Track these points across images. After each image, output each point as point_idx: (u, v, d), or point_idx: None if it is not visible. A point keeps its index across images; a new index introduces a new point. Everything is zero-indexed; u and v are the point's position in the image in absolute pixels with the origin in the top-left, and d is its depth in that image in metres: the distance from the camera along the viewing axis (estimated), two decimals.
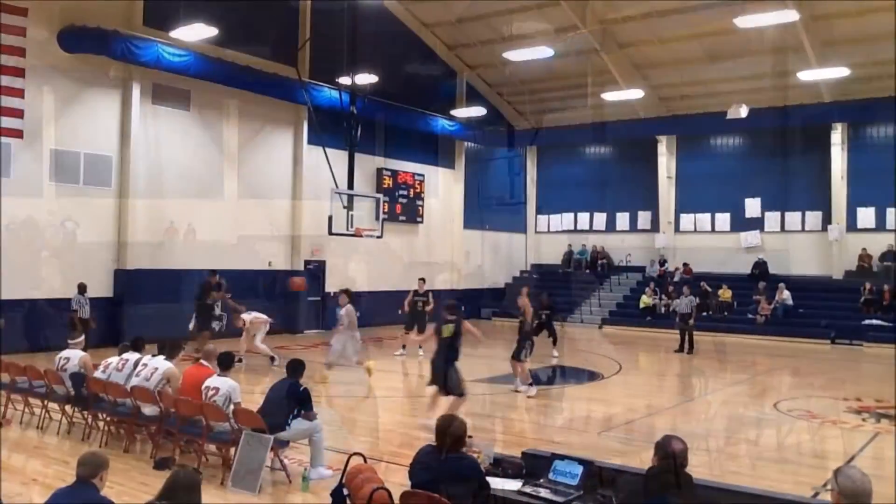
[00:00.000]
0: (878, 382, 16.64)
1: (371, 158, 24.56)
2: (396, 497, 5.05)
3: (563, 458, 5.65)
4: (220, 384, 8.02)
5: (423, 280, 19.06)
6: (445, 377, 10.06)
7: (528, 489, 5.38)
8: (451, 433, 5.16)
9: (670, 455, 4.65)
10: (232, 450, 7.63)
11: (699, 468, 8.11)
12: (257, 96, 20.93)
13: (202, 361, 8.61)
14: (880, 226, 25.16)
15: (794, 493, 6.28)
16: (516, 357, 13.14)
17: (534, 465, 5.74)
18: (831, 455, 9.75)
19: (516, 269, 31.60)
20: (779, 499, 5.30)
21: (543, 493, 5.28)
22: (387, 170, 25.48)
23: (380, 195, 22.63)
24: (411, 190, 26.42)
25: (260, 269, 21.32)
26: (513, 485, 5.48)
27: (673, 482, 4.58)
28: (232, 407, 7.84)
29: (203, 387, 8.08)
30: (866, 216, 25.43)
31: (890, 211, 24.96)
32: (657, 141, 28.69)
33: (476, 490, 5.02)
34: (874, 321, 22.65)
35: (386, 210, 23.27)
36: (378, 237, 21.41)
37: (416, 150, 26.86)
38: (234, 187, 20.98)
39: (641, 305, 26.51)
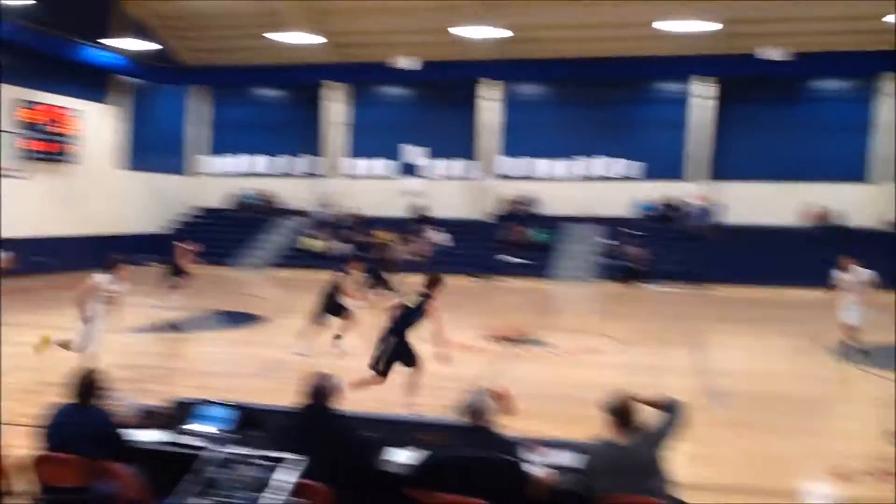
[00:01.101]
0: (512, 312, 18.73)
1: (14, 89, 21.70)
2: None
3: (213, 403, 5.59)
4: None
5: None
6: (402, 354, 8.89)
7: (176, 438, 5.24)
8: (82, 386, 4.85)
9: (316, 392, 4.84)
10: None
11: (354, 401, 8.55)
12: None
13: None
14: (524, 174, 28.20)
15: (437, 415, 6.86)
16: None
17: (184, 413, 5.59)
18: (469, 378, 10.80)
19: (180, 212, 30.28)
20: (420, 422, 5.75)
21: (192, 440, 5.18)
22: (32, 102, 22.70)
23: (22, 130, 20.14)
24: (62, 126, 23.86)
25: None
26: (160, 435, 5.31)
27: (319, 417, 4.78)
28: None
29: None
30: (514, 165, 28.27)
31: (530, 161, 28.09)
32: (330, 87, 29.00)
33: (112, 444, 4.80)
34: (511, 259, 25.44)
35: (33, 147, 20.79)
36: (23, 177, 19.10)
37: (72, 83, 24.31)
38: None
39: (309, 248, 26.93)
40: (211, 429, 5.32)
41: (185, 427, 5.36)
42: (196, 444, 5.09)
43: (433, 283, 9.02)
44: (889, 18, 22.23)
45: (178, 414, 5.64)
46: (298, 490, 4.11)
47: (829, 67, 26.03)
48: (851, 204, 26.22)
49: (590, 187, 27.53)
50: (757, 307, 20.49)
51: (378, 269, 19.06)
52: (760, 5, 23.51)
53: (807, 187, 26.37)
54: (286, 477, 4.11)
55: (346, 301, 12.99)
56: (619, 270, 24.41)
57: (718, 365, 12.33)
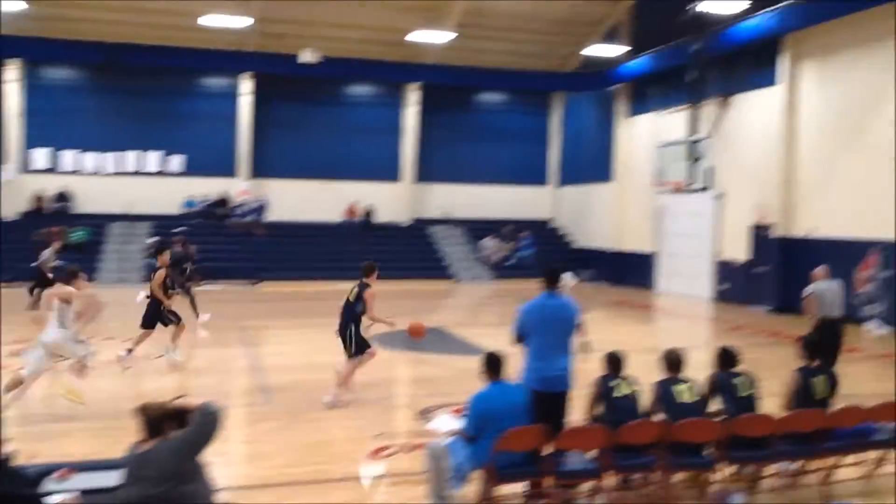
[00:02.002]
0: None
1: None
2: None
3: None
4: None
5: None
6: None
7: None
8: None
9: None
10: None
11: None
12: None
13: None
14: (55, 167, 25.62)
15: None
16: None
17: None
18: None
19: None
20: None
21: None
22: None
23: None
24: None
25: None
26: None
27: None
28: None
29: None
30: (41, 157, 25.48)
31: (63, 153, 25.64)
32: None
33: None
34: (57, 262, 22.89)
35: None
36: None
37: None
38: None
39: None
40: None
41: None
42: None
43: (369, 272, 9.57)
44: (410, 36, 24.93)
45: None
46: None
47: (362, 73, 28.21)
48: (385, 201, 28.90)
49: (135, 182, 26.09)
50: (306, 301, 21.39)
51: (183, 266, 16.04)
52: (294, 6, 24.54)
53: (347, 185, 28.35)
54: None
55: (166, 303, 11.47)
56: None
57: (273, 361, 12.58)
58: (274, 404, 9.56)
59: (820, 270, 11.64)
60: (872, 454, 6.78)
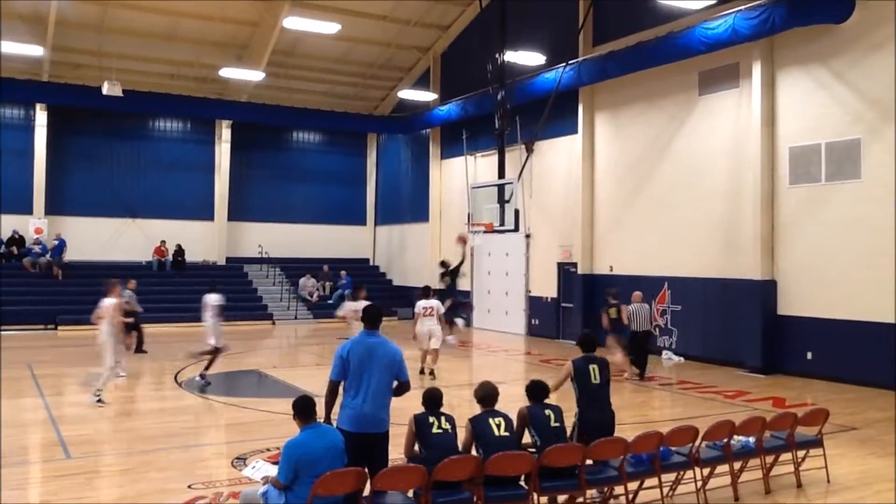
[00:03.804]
0: None
1: None
2: None
3: None
4: None
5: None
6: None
7: None
8: None
9: None
10: None
11: None
12: None
13: None
14: None
15: None
16: None
17: None
18: None
19: None
20: None
21: None
22: None
23: None
24: None
25: None
26: None
27: None
28: None
29: None
30: None
31: None
32: None
33: None
34: None
35: None
36: None
37: None
38: None
39: None
40: None
41: None
42: None
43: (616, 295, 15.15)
44: (222, 73, 24.34)
45: None
46: None
47: (169, 108, 27.03)
48: (198, 240, 27.89)
49: None
50: None
51: None
52: (90, 37, 23.33)
53: (155, 224, 27.11)
54: None
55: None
56: None
57: (72, 411, 11.74)
58: (75, 458, 8.89)
59: (637, 294, 15.50)
60: (671, 476, 7.32)
